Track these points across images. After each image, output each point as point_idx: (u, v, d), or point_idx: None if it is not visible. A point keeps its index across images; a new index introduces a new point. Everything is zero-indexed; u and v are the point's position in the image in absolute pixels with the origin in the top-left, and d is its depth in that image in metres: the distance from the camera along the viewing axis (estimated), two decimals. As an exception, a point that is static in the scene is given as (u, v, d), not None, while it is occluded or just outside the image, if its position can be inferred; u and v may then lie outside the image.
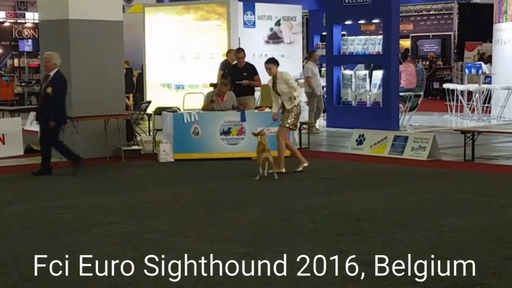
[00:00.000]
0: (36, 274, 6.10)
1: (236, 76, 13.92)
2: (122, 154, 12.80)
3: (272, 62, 11.53)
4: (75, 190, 10.39)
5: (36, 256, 6.58)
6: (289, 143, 11.58)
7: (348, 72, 18.38)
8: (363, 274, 5.94)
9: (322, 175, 11.23)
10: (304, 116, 17.49)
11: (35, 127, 16.66)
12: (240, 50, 14.28)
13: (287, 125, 11.30)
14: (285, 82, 11.24)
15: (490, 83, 20.43)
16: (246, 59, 14.27)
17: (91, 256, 6.59)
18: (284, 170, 11.20)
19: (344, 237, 7.26)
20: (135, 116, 15.16)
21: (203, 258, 6.47)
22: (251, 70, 14.11)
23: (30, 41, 30.19)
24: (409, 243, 6.94)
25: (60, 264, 6.36)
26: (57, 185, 10.79)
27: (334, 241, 7.09)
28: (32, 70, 27.79)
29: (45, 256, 6.63)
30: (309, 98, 16.86)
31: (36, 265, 6.31)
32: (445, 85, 21.64)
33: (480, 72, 19.97)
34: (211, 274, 6.02)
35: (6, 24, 30.29)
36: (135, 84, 22.77)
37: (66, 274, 6.09)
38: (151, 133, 14.80)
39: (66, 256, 6.62)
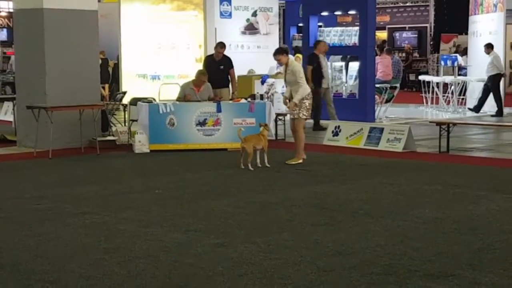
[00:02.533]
0: (8, 264, 6.05)
1: (213, 68, 13.90)
2: (97, 145, 12.72)
3: (280, 53, 11.56)
4: (49, 180, 10.30)
5: (8, 246, 6.54)
6: (302, 134, 11.60)
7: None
8: (337, 264, 5.95)
9: (298, 166, 11.23)
10: (281, 107, 17.53)
11: (10, 117, 16.56)
12: (223, 46, 14.28)
13: (304, 117, 11.42)
14: (293, 74, 11.24)
15: (465, 75, 20.56)
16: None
17: (64, 246, 6.56)
18: (305, 157, 11.45)
19: (319, 227, 7.26)
20: (111, 106, 15.08)
21: (177, 248, 6.46)
22: (227, 63, 14.12)
23: (4, 30, 29.92)
24: (384, 234, 6.97)
25: (33, 254, 6.32)
26: (31, 176, 10.70)
27: (310, 231, 7.09)
28: (6, 59, 27.53)
29: (18, 246, 6.59)
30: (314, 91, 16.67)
31: (8, 255, 6.26)
32: (421, 77, 21.74)
33: (455, 64, 20.08)
34: (185, 264, 6.00)
35: (-20, 13, 30.06)
36: (110, 74, 22.65)
37: (38, 264, 6.04)
38: (126, 124, 14.73)
39: (39, 246, 6.58)
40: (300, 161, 11.48)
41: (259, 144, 11.07)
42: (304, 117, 11.46)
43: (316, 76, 15.71)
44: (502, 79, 19.07)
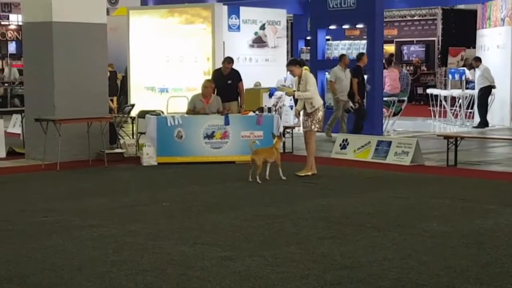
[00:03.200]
0: (15, 276, 6.05)
1: (221, 82, 13.94)
2: (105, 157, 12.74)
3: (293, 64, 11.64)
4: (57, 193, 10.32)
5: (15, 259, 6.55)
6: (313, 146, 11.64)
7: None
8: (345, 278, 5.94)
9: (305, 179, 11.22)
10: (288, 120, 17.55)
11: (18, 130, 16.61)
12: (230, 61, 14.32)
13: (316, 129, 11.47)
14: (304, 84, 11.33)
15: (473, 88, 20.52)
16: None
17: (71, 259, 6.56)
18: (315, 172, 11.46)
19: (326, 240, 7.25)
20: (119, 119, 15.10)
21: (184, 261, 6.46)
22: (235, 77, 14.17)
23: (14, 43, 30.07)
24: (391, 247, 6.95)
25: (40, 267, 6.33)
26: (39, 188, 10.72)
27: (317, 244, 7.08)
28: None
29: (25, 258, 6.60)
30: (334, 104, 16.54)
31: (15, 268, 6.27)
32: (429, 91, 21.73)
33: (463, 77, 20.07)
34: (193, 277, 6.00)
35: (-11, 26, 30.25)
36: (119, 87, 22.71)
37: (46, 277, 6.04)
38: (134, 136, 14.75)
39: (46, 259, 6.58)
40: (309, 173, 11.47)
41: (271, 157, 11.08)
42: (316, 129, 11.48)
43: (360, 89, 15.75)
44: (493, 90, 19.08)
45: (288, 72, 17.22)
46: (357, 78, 15.69)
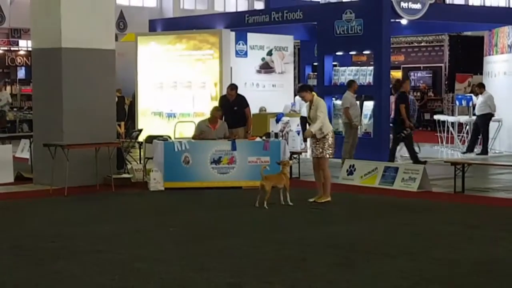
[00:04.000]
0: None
1: (227, 108, 13.99)
2: (112, 182, 12.76)
3: (304, 90, 11.71)
4: (65, 218, 10.33)
5: (23, 284, 6.55)
6: (329, 173, 11.68)
7: (339, 102, 18.42)
8: (352, 305, 5.92)
9: (312, 205, 11.21)
10: (295, 146, 17.55)
11: (26, 154, 16.66)
12: (233, 88, 14.38)
13: (328, 156, 11.49)
14: (315, 110, 11.36)
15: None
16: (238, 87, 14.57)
17: (79, 284, 6.56)
18: (329, 199, 11.42)
19: (333, 267, 7.23)
20: (126, 144, 15.14)
21: (191, 287, 6.45)
22: (241, 103, 14.23)
23: (23, 68, 30.23)
24: (399, 275, 6.92)
25: (48, 292, 6.33)
26: (47, 214, 10.74)
27: (324, 271, 7.06)
28: (24, 97, 27.76)
29: (32, 284, 6.59)
30: (346, 130, 16.17)
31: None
32: (436, 117, 21.72)
33: (470, 104, 20.06)
34: (200, 304, 5.99)
35: (-1, 51, 30.41)
36: (126, 112, 22.78)
37: (54, 303, 6.05)
38: (142, 161, 14.77)
39: (53, 284, 6.58)
40: (329, 199, 11.47)
41: (281, 183, 11.10)
42: (328, 156, 11.51)
43: (408, 114, 15.72)
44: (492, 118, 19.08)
45: (297, 97, 17.31)
46: (404, 104, 15.66)
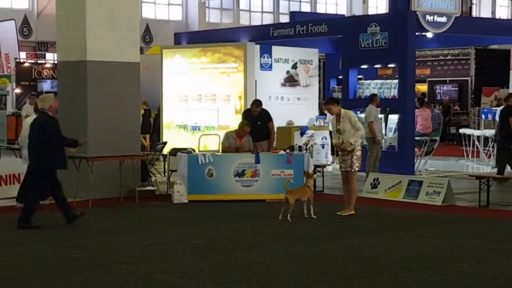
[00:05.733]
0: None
1: (251, 123, 14.05)
2: (136, 195, 12.83)
3: (331, 103, 11.77)
4: (89, 230, 10.40)
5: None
6: (356, 186, 11.76)
7: (363, 115, 18.39)
8: (373, 319, 5.91)
9: (335, 218, 11.20)
10: (320, 159, 17.52)
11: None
12: (258, 105, 14.46)
13: (356, 169, 11.54)
14: (349, 121, 11.40)
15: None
16: (262, 100, 14.67)
17: (101, 296, 6.61)
18: (353, 212, 11.46)
19: (355, 280, 7.22)
20: (151, 156, 15.22)
21: (213, 300, 6.47)
22: (265, 117, 14.30)
23: (49, 81, 30.54)
24: (421, 289, 6.90)
25: (70, 303, 6.38)
26: (71, 225, 10.80)
27: (346, 284, 7.05)
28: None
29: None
30: (370, 144, 15.98)
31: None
32: (462, 130, 21.59)
33: (496, 117, 19.92)
34: (221, 316, 6.01)
35: (26, 64, 30.65)
36: (152, 124, 22.90)
37: (76, 313, 6.09)
38: (166, 174, 14.84)
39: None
40: (352, 212, 11.47)
41: (304, 196, 11.11)
42: (357, 168, 11.54)
43: None
44: None
45: (328, 110, 17.21)
46: None
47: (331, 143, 17.90)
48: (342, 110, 11.64)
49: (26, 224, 10.34)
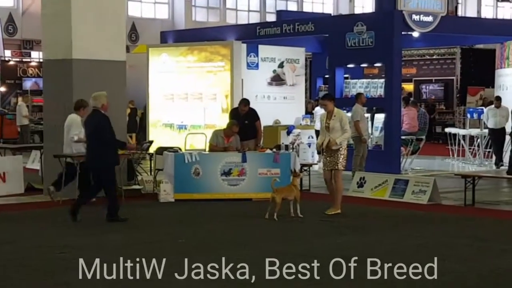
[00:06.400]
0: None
1: (238, 121, 14.03)
2: (122, 194, 12.78)
3: (328, 99, 11.81)
4: (74, 229, 10.36)
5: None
6: (342, 185, 11.78)
7: (349, 115, 18.39)
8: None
9: (321, 217, 11.20)
10: (306, 158, 17.52)
11: (37, 166, 16.72)
12: (246, 104, 14.46)
13: (342, 168, 11.55)
14: (340, 121, 11.42)
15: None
16: (249, 99, 14.80)
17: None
18: (340, 211, 11.46)
19: (341, 279, 7.21)
20: (137, 155, 15.17)
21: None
22: (252, 116, 14.30)
23: (34, 79, 30.40)
24: (407, 287, 6.90)
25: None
26: (56, 224, 10.77)
27: (331, 283, 7.04)
28: (36, 108, 27.87)
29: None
30: (356, 143, 15.99)
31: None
32: (447, 129, 21.68)
33: (482, 117, 20.01)
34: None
35: (11, 62, 30.51)
36: (138, 123, 22.85)
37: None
38: (152, 173, 14.80)
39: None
40: (339, 211, 11.48)
41: (291, 195, 11.10)
42: (342, 168, 11.54)
43: None
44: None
45: (316, 109, 17.21)
46: None
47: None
48: (336, 109, 11.64)
49: (114, 218, 10.83)
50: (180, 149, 13.95)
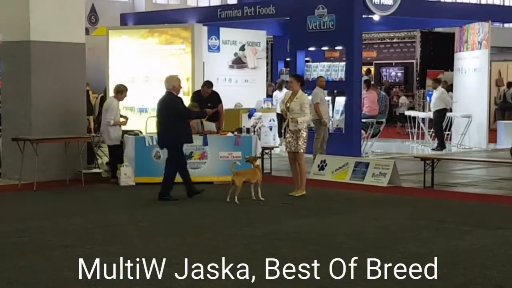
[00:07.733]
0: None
1: (200, 104, 13.96)
2: (82, 177, 12.69)
3: (296, 79, 11.84)
4: (33, 213, 10.26)
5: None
6: (305, 167, 11.87)
7: (310, 98, 18.43)
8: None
9: (282, 200, 11.24)
10: (267, 141, 17.56)
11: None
12: (209, 86, 14.40)
13: (303, 151, 11.61)
14: (300, 104, 11.39)
15: (451, 111, 20.67)
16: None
17: (46, 279, 6.52)
18: (305, 193, 11.58)
19: (302, 261, 7.23)
20: (97, 139, 15.04)
21: (158, 282, 6.43)
22: (215, 99, 14.24)
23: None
24: (367, 268, 6.94)
25: (14, 287, 6.28)
26: (15, 208, 10.66)
27: (293, 265, 7.06)
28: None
29: (-1, 279, 6.55)
30: (316, 126, 15.90)
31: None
32: (407, 112, 21.86)
33: (427, 99, 20.26)
34: (167, 298, 5.98)
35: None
36: (94, 106, 22.61)
37: (20, 297, 6.00)
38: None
39: (20, 279, 6.53)
40: (304, 192, 11.53)
41: (254, 178, 11.11)
42: (303, 150, 11.60)
43: None
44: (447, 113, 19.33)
45: (275, 93, 17.11)
46: None
47: (279, 125, 17.99)
48: (301, 92, 11.65)
49: (166, 197, 11.16)
50: (140, 132, 13.86)
